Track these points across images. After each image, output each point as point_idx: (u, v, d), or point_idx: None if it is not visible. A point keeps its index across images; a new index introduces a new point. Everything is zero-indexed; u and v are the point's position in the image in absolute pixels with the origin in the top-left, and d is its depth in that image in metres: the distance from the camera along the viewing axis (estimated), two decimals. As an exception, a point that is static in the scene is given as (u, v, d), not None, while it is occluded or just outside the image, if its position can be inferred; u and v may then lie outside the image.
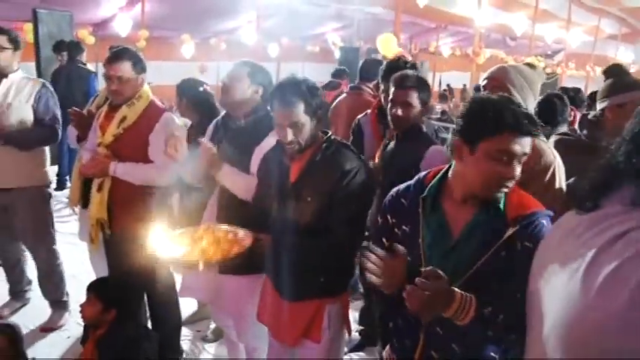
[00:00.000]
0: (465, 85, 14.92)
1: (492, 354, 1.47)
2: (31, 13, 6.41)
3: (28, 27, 7.10)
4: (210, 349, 3.20)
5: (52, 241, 3.38)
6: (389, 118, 2.52)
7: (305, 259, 1.94)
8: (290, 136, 1.93)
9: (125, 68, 2.61)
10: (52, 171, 3.40)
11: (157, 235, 1.92)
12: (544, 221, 1.41)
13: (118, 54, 2.64)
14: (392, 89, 2.50)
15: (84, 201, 2.98)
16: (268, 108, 2.42)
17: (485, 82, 2.08)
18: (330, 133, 2.05)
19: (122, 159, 2.64)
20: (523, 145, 1.40)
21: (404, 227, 1.58)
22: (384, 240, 1.61)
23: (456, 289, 1.37)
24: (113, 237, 2.73)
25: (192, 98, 3.26)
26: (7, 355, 2.37)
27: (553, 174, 1.96)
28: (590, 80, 16.26)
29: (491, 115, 1.39)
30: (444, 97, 13.54)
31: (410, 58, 3.18)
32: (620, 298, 0.90)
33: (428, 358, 1.54)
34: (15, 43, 3.09)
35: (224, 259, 1.87)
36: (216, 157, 2.26)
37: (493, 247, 1.40)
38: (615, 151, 0.95)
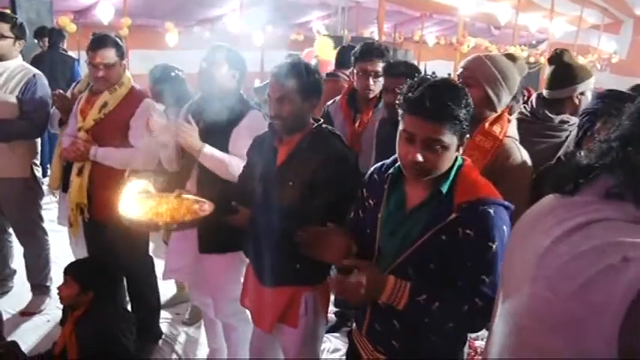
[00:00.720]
0: (449, 75, 14.99)
1: (431, 335, 1.53)
2: (9, -1, 6.38)
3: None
4: (189, 331, 3.28)
5: (39, 229, 3.43)
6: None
7: (281, 244, 1.93)
8: (275, 110, 1.94)
9: (110, 54, 2.66)
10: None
11: (126, 196, 1.95)
12: (491, 210, 1.39)
13: (102, 40, 2.68)
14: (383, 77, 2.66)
15: (64, 186, 3.03)
16: (241, 92, 2.51)
17: (460, 70, 2.06)
18: (321, 120, 2.06)
19: (102, 143, 2.70)
20: (427, 129, 1.39)
21: (370, 201, 1.63)
22: (360, 213, 1.71)
23: (390, 276, 1.46)
24: (92, 222, 2.77)
25: (165, 83, 3.26)
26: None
27: (521, 174, 1.95)
28: (573, 69, 16.39)
29: (406, 96, 1.43)
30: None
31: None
32: (565, 294, 0.86)
33: (373, 331, 1.63)
34: (18, 32, 3.06)
35: (174, 222, 1.90)
36: (197, 136, 2.29)
37: (433, 229, 1.43)
38: (604, 141, 0.89)
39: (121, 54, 2.73)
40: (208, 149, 2.30)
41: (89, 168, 2.72)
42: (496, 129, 1.96)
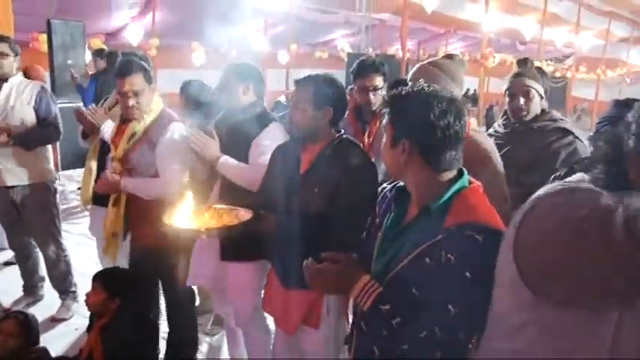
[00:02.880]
0: (468, 90, 15.07)
1: None
2: (46, 23, 6.68)
3: (43, 37, 7.35)
4: (211, 340, 3.36)
5: (57, 232, 3.57)
6: None
7: (304, 248, 1.89)
8: (290, 115, 2.12)
9: (138, 81, 2.57)
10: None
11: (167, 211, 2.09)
12: (479, 237, 1.26)
13: (128, 66, 2.58)
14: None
15: (95, 198, 3.17)
16: (264, 104, 2.60)
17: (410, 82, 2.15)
18: (342, 131, 2.17)
19: (134, 172, 2.67)
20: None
21: (377, 219, 1.62)
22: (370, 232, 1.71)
23: (366, 275, 1.44)
24: (136, 248, 2.79)
25: (200, 99, 3.31)
26: (15, 340, 2.51)
27: (494, 167, 2.09)
28: (601, 83, 16.23)
29: None
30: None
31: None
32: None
33: (357, 355, 1.58)
34: (15, 50, 3.33)
35: (223, 228, 2.03)
36: (216, 148, 2.40)
37: (417, 250, 1.35)
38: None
39: (149, 78, 2.64)
40: (224, 159, 2.39)
41: (125, 198, 2.71)
42: None
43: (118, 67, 2.64)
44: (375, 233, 1.58)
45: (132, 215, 2.73)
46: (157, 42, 9.80)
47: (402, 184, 1.54)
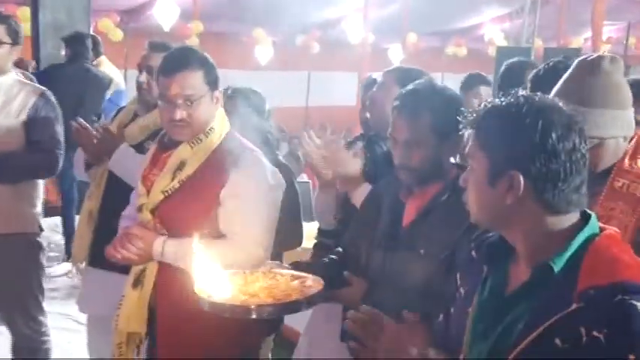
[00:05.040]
0: None
1: None
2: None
3: (24, 13, 7.81)
4: None
5: (37, 308, 3.68)
6: None
7: None
8: (401, 158, 2.29)
9: (195, 81, 2.56)
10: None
11: (203, 272, 2.10)
12: (637, 302, 1.38)
13: (183, 58, 2.60)
14: None
15: (92, 257, 3.23)
16: None
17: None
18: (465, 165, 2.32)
19: (176, 231, 2.60)
20: None
21: (462, 289, 1.81)
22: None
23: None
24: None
25: (244, 115, 3.27)
26: None
27: None
28: None
29: None
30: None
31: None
32: None
33: None
34: (14, 36, 3.47)
35: (277, 306, 2.09)
36: (358, 169, 2.78)
37: (540, 328, 1.46)
38: None
39: (214, 80, 2.64)
40: (368, 187, 2.68)
41: (153, 274, 2.66)
42: None
43: (164, 60, 2.65)
44: (460, 311, 1.75)
45: (159, 305, 2.65)
46: (199, 27, 10.13)
47: (494, 236, 1.69)
